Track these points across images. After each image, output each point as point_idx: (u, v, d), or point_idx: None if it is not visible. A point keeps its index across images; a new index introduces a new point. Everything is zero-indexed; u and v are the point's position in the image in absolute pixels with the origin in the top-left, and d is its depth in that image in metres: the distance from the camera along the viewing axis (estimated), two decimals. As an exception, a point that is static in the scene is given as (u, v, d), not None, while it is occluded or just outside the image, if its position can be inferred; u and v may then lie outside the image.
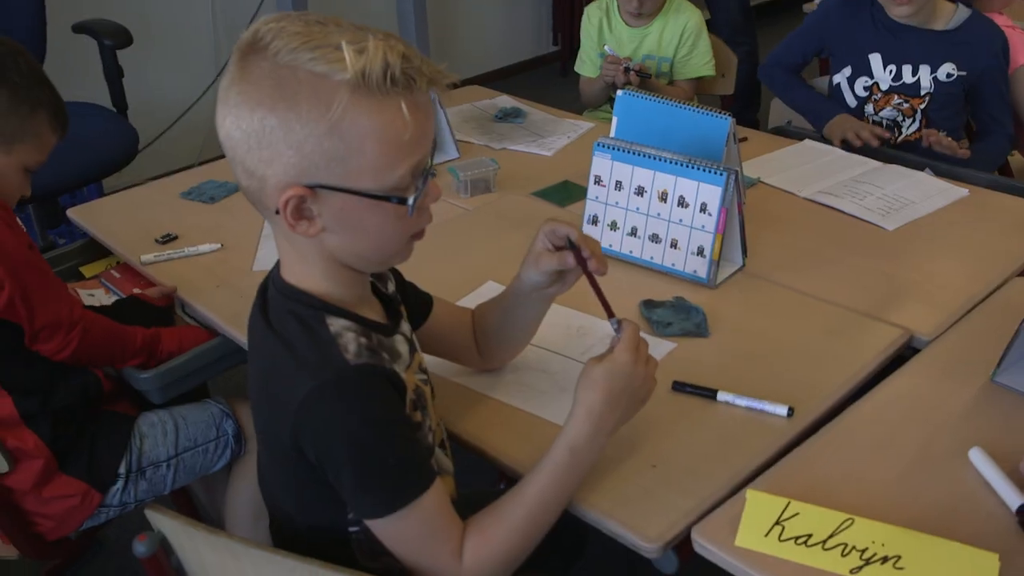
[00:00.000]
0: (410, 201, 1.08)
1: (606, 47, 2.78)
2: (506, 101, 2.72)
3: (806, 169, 2.21)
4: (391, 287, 1.30)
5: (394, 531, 1.13)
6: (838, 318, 1.63)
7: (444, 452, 1.30)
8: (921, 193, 2.07)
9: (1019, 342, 1.41)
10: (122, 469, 1.70)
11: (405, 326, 1.27)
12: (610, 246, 1.80)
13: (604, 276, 1.29)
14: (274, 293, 1.17)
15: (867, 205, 2.01)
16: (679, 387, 1.44)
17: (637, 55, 2.80)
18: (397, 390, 1.14)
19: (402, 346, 1.21)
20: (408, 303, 1.34)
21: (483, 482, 1.26)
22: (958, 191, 2.08)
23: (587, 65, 2.90)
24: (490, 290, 1.71)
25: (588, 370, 1.21)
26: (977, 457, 1.27)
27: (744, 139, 2.38)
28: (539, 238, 1.33)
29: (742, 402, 1.40)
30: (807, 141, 2.40)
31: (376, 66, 1.00)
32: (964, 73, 2.32)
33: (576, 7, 5.34)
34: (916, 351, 1.55)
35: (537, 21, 5.71)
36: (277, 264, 1.19)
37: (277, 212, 1.06)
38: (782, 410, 1.38)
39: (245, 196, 1.11)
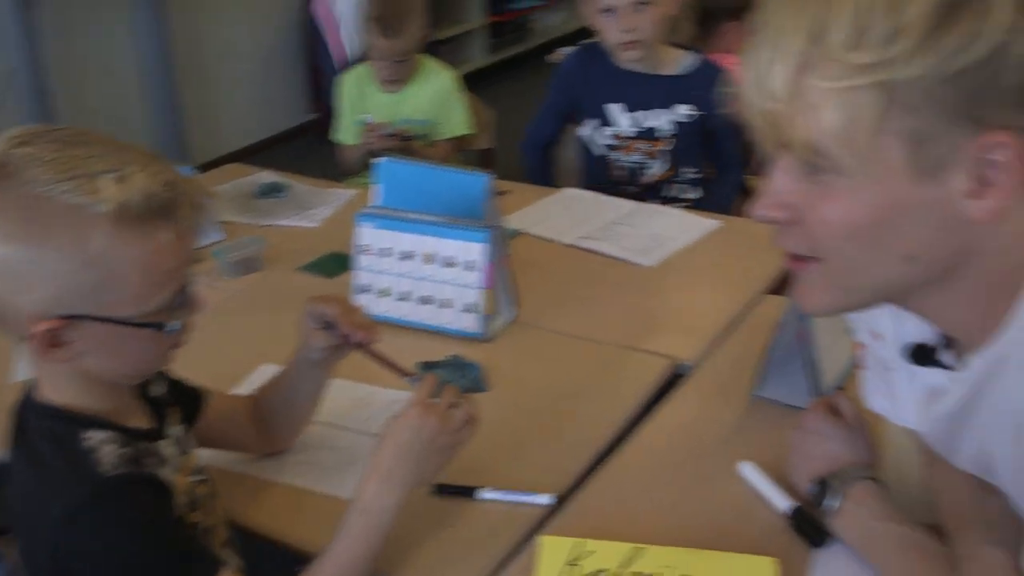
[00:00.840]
0: (171, 327, 1.06)
1: (368, 117, 2.82)
2: (266, 176, 2.70)
3: (566, 217, 2.29)
4: (159, 389, 1.26)
5: None
6: (608, 355, 1.70)
7: (231, 551, 1.27)
8: (677, 228, 2.19)
9: (774, 356, 1.51)
10: None
11: (174, 428, 1.23)
12: (384, 312, 1.81)
13: (379, 342, 1.30)
14: (27, 415, 1.12)
15: (626, 245, 2.11)
16: (439, 490, 1.37)
17: (396, 119, 2.85)
18: (162, 495, 1.10)
19: (169, 449, 1.18)
20: (180, 401, 1.31)
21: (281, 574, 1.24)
22: (711, 223, 2.21)
23: (345, 133, 2.92)
24: (265, 373, 1.68)
25: (382, 428, 1.22)
26: (747, 470, 1.35)
27: (504, 192, 2.45)
28: (305, 320, 1.33)
29: (504, 497, 1.35)
30: (566, 190, 2.49)
31: (137, 196, 0.98)
32: (703, 113, 2.46)
33: (332, 75, 5.36)
34: (682, 376, 1.63)
35: (294, 90, 5.68)
36: (31, 383, 1.13)
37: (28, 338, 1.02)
38: (544, 499, 1.34)
39: None
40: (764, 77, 0.83)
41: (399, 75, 2.83)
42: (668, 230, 2.18)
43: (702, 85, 2.45)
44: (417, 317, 1.79)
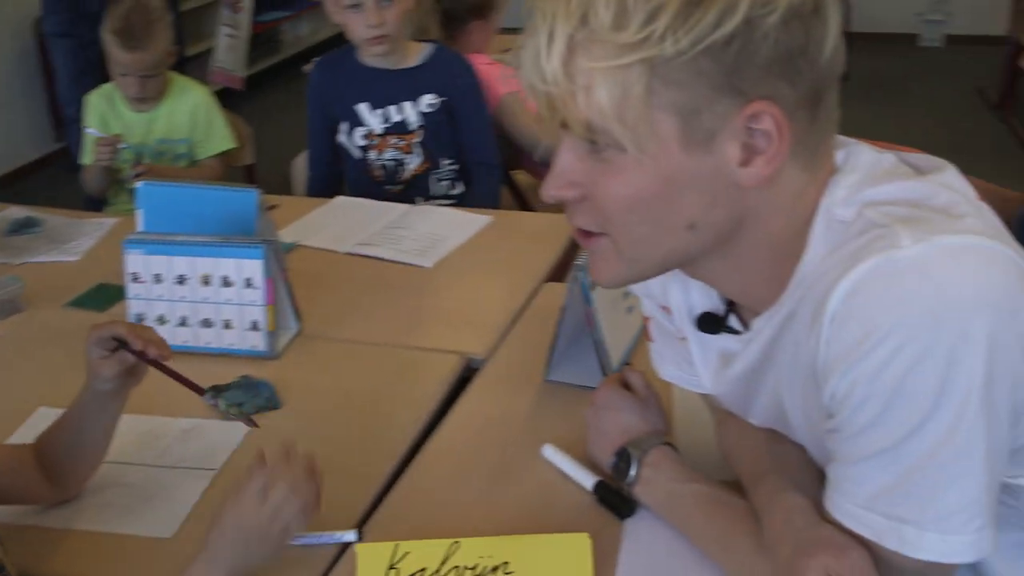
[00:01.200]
0: None
1: (88, 130, 2.69)
2: (16, 212, 2.54)
3: (341, 225, 2.27)
4: None
5: None
6: (399, 358, 1.70)
7: None
8: (450, 227, 2.21)
9: (561, 340, 1.55)
10: None
11: None
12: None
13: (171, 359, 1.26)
14: None
15: (404, 248, 2.11)
16: None
17: (150, 139, 2.74)
18: None
19: None
20: None
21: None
22: (483, 219, 2.25)
23: (90, 155, 2.79)
24: (44, 417, 1.59)
25: (223, 505, 1.17)
26: (549, 452, 1.39)
27: (274, 206, 2.40)
28: (90, 350, 1.27)
29: (304, 541, 1.27)
30: (338, 198, 2.47)
31: None
32: (445, 99, 2.48)
33: (78, 97, 5.10)
34: (476, 371, 1.66)
35: (35, 119, 5.36)
36: None
37: None
38: (351, 536, 1.29)
39: None
40: (538, 61, 0.86)
41: (147, 92, 2.70)
42: (442, 229, 2.21)
43: (442, 72, 2.49)
44: (200, 341, 1.74)
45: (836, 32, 0.87)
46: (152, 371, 1.31)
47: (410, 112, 2.48)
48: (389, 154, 2.50)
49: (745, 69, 0.83)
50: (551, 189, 0.93)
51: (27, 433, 1.40)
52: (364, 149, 2.52)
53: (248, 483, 1.16)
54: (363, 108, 2.49)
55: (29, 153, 5.32)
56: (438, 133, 2.50)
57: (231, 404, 1.57)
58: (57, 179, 5.10)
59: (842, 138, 0.96)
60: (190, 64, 5.72)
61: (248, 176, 3.08)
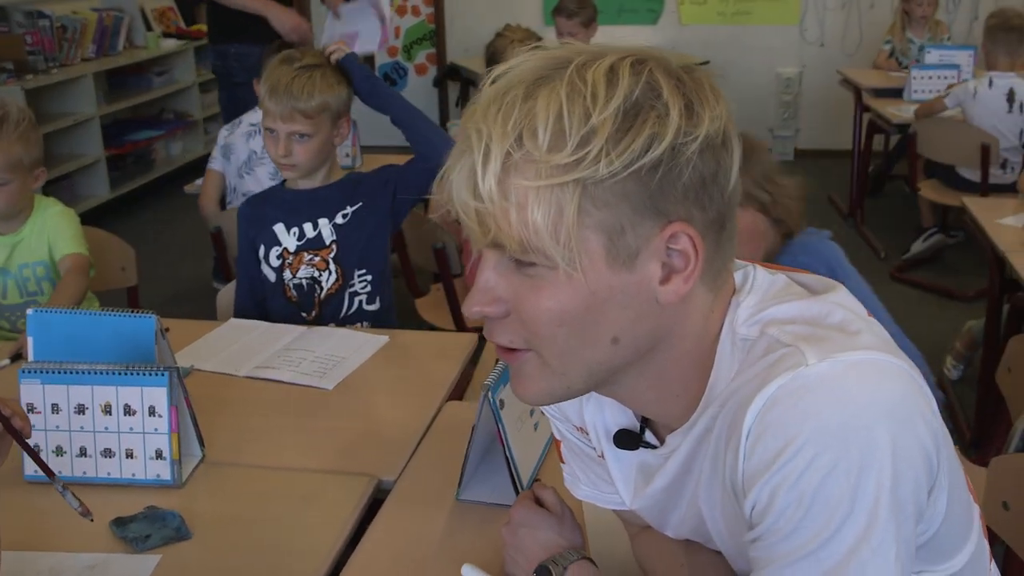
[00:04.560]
0: None
1: None
2: None
3: (237, 348, 2.26)
4: None
5: None
6: (307, 482, 1.69)
7: None
8: (349, 348, 2.22)
9: (471, 459, 1.58)
10: None
11: None
12: (60, 472, 1.69)
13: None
14: None
15: (303, 370, 2.11)
16: None
17: (12, 265, 2.64)
18: None
19: None
20: None
21: None
22: (380, 339, 2.27)
23: None
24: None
25: None
26: (469, 573, 1.39)
27: (167, 329, 2.38)
28: None
29: None
30: (232, 320, 2.46)
31: None
32: (360, 204, 2.50)
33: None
34: (388, 492, 1.66)
35: None
36: None
37: None
38: None
39: None
40: (472, 179, 0.89)
41: (9, 212, 2.57)
42: (340, 350, 2.21)
43: (363, 181, 2.53)
44: (101, 472, 1.70)
45: (738, 164, 0.95)
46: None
47: (324, 227, 2.49)
48: (303, 272, 2.50)
49: (667, 192, 0.89)
50: (475, 306, 0.95)
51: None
52: (279, 270, 2.52)
53: None
54: (280, 228, 2.50)
55: None
56: (351, 245, 2.50)
57: (137, 537, 1.54)
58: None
59: (737, 261, 1.03)
60: (57, 185, 5.64)
61: (131, 298, 3.03)
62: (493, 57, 4.13)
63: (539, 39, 3.18)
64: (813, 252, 2.01)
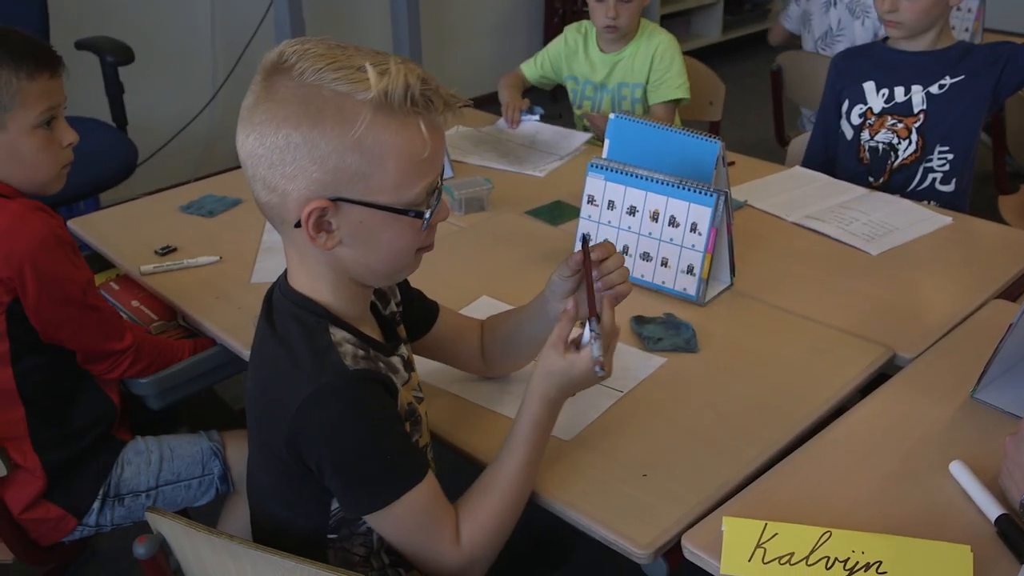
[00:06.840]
0: (427, 216, 1.12)
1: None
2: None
3: (794, 195, 2.26)
4: (391, 308, 1.34)
5: (393, 522, 1.17)
6: (822, 336, 1.67)
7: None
8: (906, 220, 2.12)
9: (998, 360, 1.45)
10: (99, 494, 1.71)
11: (403, 348, 1.31)
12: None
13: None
14: (279, 297, 1.21)
15: (852, 230, 2.06)
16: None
17: (611, 82, 2.84)
18: (393, 396, 1.18)
19: (399, 365, 1.26)
20: (413, 310, 1.39)
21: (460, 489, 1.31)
22: (942, 219, 2.13)
23: (531, 67, 3.00)
24: (485, 304, 1.75)
25: (551, 361, 1.25)
26: (958, 470, 1.31)
27: (732, 163, 2.43)
28: (560, 269, 1.37)
29: None
30: (796, 168, 2.45)
31: (398, 87, 1.05)
32: (963, 76, 2.33)
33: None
34: (899, 369, 1.59)
35: (529, 48, 5.76)
36: (284, 274, 1.22)
37: (297, 225, 1.10)
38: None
39: (262, 211, 1.15)
40: None
41: (620, 23, 2.73)
42: (896, 220, 2.12)
43: (972, 53, 2.35)
44: (635, 272, 1.81)
45: None
46: None
47: (917, 94, 2.38)
48: (882, 135, 2.42)
49: None
50: None
51: (468, 315, 1.55)
52: (857, 128, 2.46)
53: (558, 342, 1.25)
54: (869, 87, 2.43)
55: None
56: (941, 118, 2.36)
57: (650, 337, 1.64)
58: (536, 103, 5.47)
59: None
60: (672, 21, 5.88)
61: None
62: None
63: None
64: None
